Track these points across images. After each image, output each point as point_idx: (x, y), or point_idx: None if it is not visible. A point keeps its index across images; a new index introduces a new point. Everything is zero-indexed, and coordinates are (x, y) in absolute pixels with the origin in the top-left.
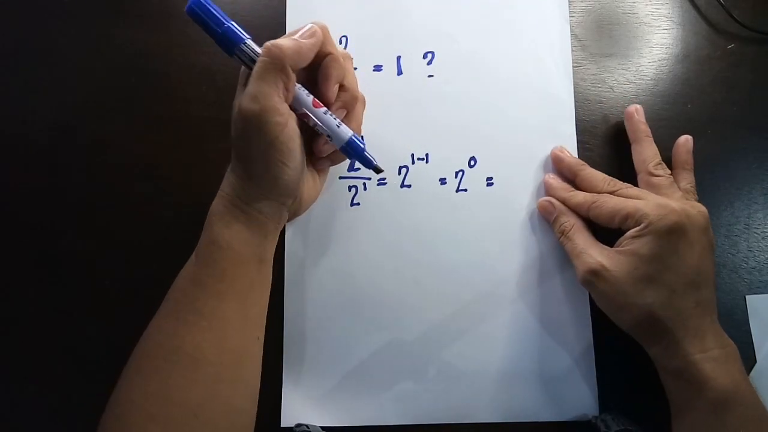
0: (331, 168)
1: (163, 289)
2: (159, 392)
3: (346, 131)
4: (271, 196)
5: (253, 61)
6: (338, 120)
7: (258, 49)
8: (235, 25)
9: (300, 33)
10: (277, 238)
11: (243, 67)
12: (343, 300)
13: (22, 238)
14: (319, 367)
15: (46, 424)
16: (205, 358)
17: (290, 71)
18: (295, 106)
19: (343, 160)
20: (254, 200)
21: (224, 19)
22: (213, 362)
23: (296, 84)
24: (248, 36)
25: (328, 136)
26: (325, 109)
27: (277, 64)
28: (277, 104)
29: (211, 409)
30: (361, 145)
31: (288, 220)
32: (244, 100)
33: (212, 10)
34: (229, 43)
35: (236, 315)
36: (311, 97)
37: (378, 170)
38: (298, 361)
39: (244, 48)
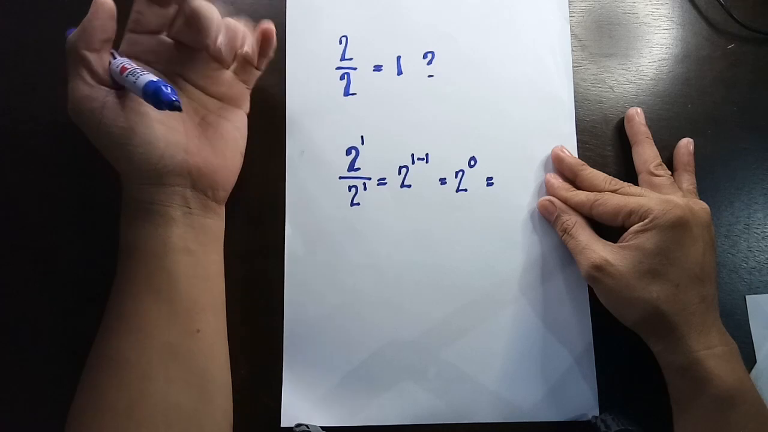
0: (331, 168)
1: None
2: (90, 400)
3: (142, 80)
4: (148, 181)
5: None
6: (139, 73)
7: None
8: None
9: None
10: (207, 223)
11: None
12: (343, 300)
13: (22, 237)
14: (319, 367)
15: (46, 424)
16: (128, 360)
17: (83, 54)
18: (116, 79)
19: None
20: (138, 191)
21: None
22: (138, 362)
23: (113, 58)
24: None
25: (140, 93)
26: (132, 69)
27: (69, 54)
28: (85, 91)
29: (143, 409)
30: (161, 88)
31: (217, 199)
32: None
33: None
34: None
35: (157, 312)
36: (122, 64)
37: (175, 107)
38: (298, 361)
39: None
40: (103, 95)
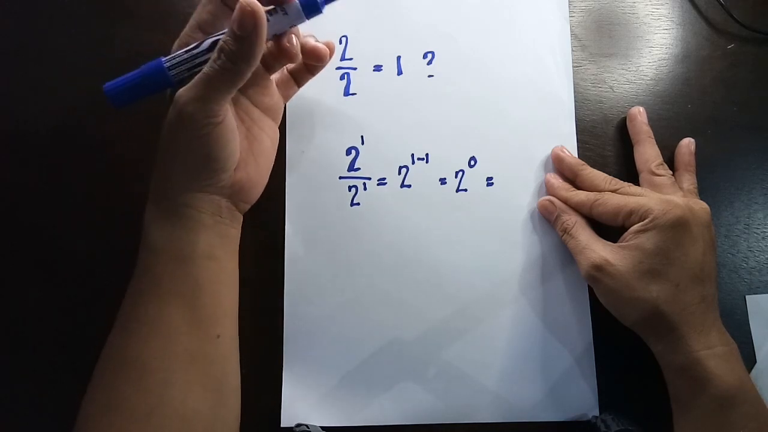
0: (331, 168)
1: None
2: (110, 403)
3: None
4: (196, 188)
5: (194, 60)
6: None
7: (180, 55)
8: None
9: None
10: (231, 232)
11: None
12: (343, 300)
13: (22, 238)
14: (319, 367)
15: (46, 424)
16: (150, 365)
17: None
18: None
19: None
20: (179, 194)
21: (136, 74)
22: (159, 368)
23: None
24: (162, 58)
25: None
26: (269, 9)
27: (235, 78)
28: (220, 108)
29: (163, 414)
30: None
31: (242, 210)
32: (184, 96)
33: (127, 81)
34: (161, 77)
35: (181, 318)
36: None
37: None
38: (298, 361)
39: (170, 65)
40: (227, 110)
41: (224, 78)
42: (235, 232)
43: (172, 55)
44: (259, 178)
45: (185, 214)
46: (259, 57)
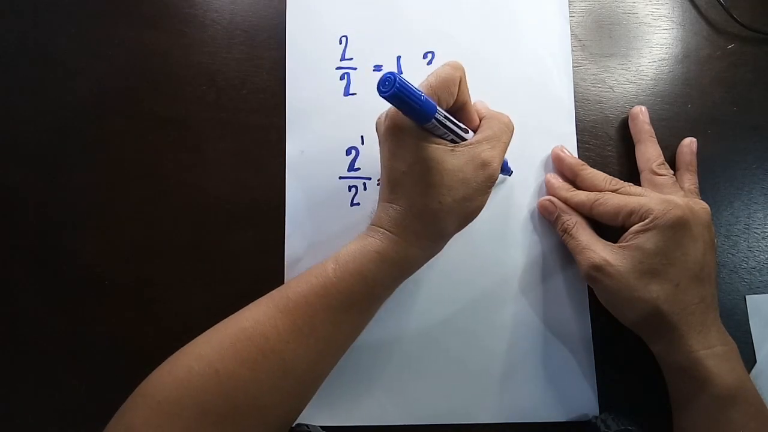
0: (331, 168)
1: (162, 288)
2: (250, 385)
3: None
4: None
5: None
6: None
7: (449, 118)
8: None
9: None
10: None
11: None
12: None
13: (22, 237)
14: None
15: (46, 424)
16: (302, 375)
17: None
18: None
19: None
20: (417, 264)
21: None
22: (305, 381)
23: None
24: (437, 107)
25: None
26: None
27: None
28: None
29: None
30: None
31: None
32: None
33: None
34: (425, 114)
35: (343, 343)
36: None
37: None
38: None
39: (438, 117)
40: None
41: None
42: None
43: (444, 113)
44: None
45: (408, 271)
46: None
